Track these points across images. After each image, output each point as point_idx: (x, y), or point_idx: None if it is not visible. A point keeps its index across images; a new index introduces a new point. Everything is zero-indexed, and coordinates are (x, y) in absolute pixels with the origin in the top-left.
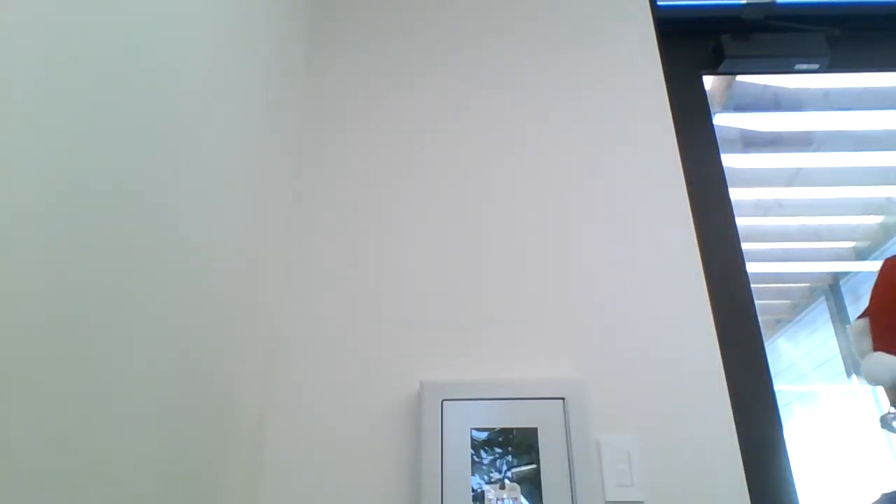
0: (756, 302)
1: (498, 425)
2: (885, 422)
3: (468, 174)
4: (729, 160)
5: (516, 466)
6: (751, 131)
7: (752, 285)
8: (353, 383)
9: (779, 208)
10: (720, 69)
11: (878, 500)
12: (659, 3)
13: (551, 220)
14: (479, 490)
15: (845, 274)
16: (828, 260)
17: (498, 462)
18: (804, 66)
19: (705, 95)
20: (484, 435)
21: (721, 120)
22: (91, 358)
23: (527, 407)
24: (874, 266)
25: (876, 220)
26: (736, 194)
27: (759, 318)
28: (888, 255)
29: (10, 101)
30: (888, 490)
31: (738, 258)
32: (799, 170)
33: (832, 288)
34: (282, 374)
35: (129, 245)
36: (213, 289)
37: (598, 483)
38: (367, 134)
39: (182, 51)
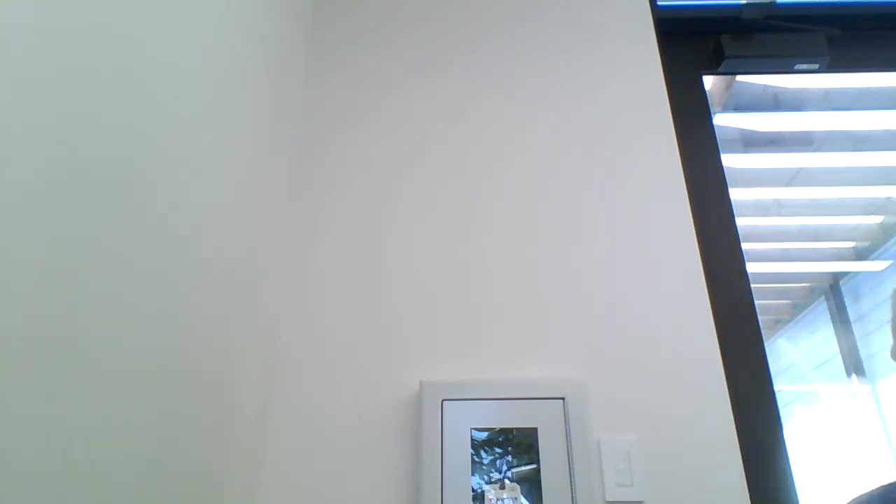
0: (756, 302)
1: (498, 425)
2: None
3: (467, 174)
4: (729, 160)
5: (516, 466)
6: (751, 131)
7: (752, 285)
8: (353, 383)
9: (779, 208)
10: (720, 69)
11: (875, 491)
12: (659, 3)
13: (551, 220)
14: (479, 490)
15: (845, 274)
16: (828, 260)
17: (498, 462)
18: (804, 66)
19: (705, 95)
20: (484, 435)
21: (721, 120)
22: (90, 358)
23: (527, 407)
24: (874, 266)
25: (876, 220)
26: (736, 194)
27: (759, 318)
28: (888, 255)
29: (9, 100)
30: (887, 482)
31: (738, 258)
32: (799, 170)
33: (832, 288)
34: (282, 375)
35: (128, 246)
36: (213, 289)
37: (598, 483)
38: (366, 134)
39: (182, 51)
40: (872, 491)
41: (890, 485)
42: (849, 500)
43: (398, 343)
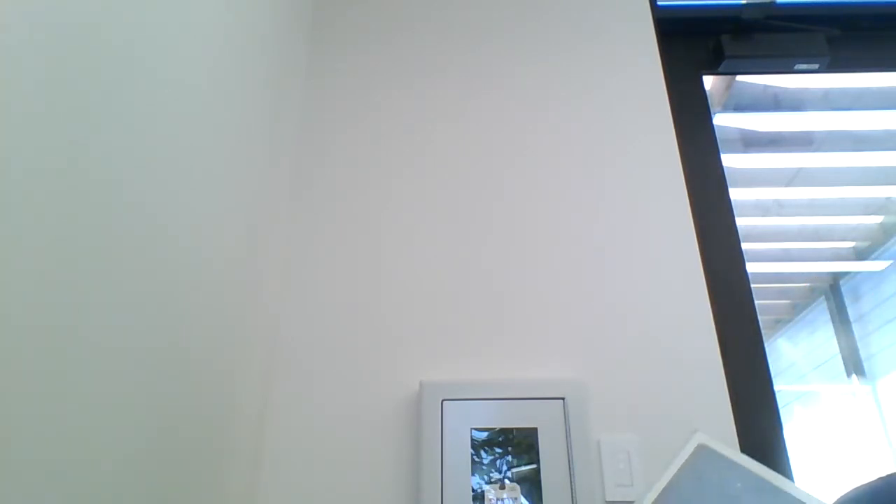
0: (756, 302)
1: (498, 425)
2: None
3: (467, 174)
4: (729, 160)
5: (516, 466)
6: (751, 131)
7: (752, 285)
8: (353, 383)
9: (779, 208)
10: (720, 69)
11: (868, 485)
12: (659, 3)
13: (551, 220)
14: (479, 490)
15: (845, 274)
16: (828, 260)
17: (498, 462)
18: (804, 66)
19: (705, 95)
20: (484, 435)
21: (721, 120)
22: (91, 359)
23: (527, 407)
24: (874, 266)
25: (876, 220)
26: (736, 194)
27: (759, 318)
28: (888, 255)
29: (8, 100)
30: (887, 474)
31: (738, 258)
32: (799, 170)
33: (832, 288)
34: (282, 374)
35: (128, 246)
36: (214, 289)
37: (598, 483)
38: (366, 134)
39: (182, 51)
40: (865, 485)
41: (888, 476)
42: (843, 493)
43: (398, 343)
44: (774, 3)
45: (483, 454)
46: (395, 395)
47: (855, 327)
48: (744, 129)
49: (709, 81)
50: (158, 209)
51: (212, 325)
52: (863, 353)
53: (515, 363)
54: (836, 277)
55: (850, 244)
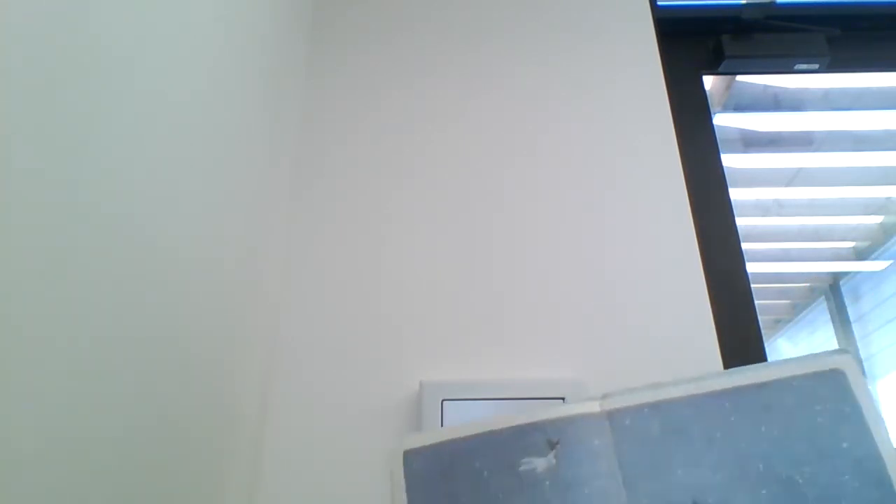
0: (756, 302)
1: None
2: None
3: (468, 173)
4: (729, 160)
5: None
6: (751, 131)
7: (752, 285)
8: (353, 383)
9: (779, 208)
10: (720, 69)
11: None
12: (659, 3)
13: (551, 219)
14: None
15: (845, 274)
16: (828, 260)
17: None
18: (804, 66)
19: (705, 95)
20: None
21: (721, 120)
22: (89, 358)
23: (527, 407)
24: (874, 266)
25: (876, 220)
26: (736, 194)
27: (759, 318)
28: (888, 255)
29: (6, 97)
30: None
31: (738, 258)
32: (799, 170)
33: (832, 288)
34: (282, 374)
35: (126, 246)
36: (213, 289)
37: None
38: (366, 134)
39: (182, 51)
40: None
41: None
42: None
43: (398, 343)
44: (774, 3)
45: None
46: (395, 395)
47: (855, 327)
48: (744, 129)
49: (709, 81)
50: (157, 209)
51: (212, 325)
52: (863, 353)
53: (515, 363)
54: (836, 277)
55: (850, 244)
